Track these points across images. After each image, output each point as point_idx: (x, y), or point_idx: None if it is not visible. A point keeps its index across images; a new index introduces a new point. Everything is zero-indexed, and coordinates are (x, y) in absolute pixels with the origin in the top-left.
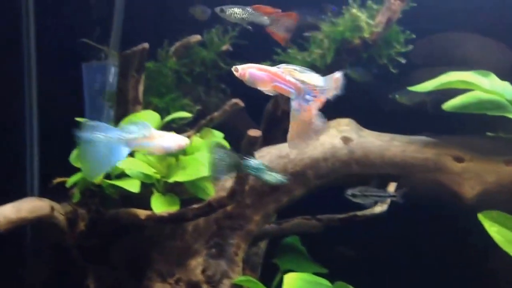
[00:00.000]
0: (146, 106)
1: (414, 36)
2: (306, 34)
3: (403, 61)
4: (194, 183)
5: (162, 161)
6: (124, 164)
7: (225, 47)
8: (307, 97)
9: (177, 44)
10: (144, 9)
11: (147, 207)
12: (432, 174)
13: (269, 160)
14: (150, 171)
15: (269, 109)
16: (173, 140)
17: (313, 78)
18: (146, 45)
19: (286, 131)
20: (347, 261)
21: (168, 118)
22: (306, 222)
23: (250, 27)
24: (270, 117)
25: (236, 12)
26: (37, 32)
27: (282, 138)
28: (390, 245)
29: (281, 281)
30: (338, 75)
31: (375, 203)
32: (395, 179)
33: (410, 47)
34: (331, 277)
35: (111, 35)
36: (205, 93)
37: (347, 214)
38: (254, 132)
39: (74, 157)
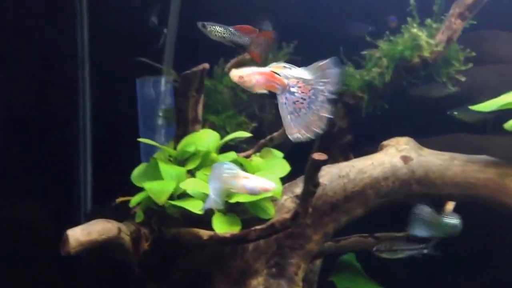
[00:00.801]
0: (203, 124)
1: (474, 53)
2: (366, 52)
3: (463, 79)
4: (255, 203)
5: None
6: (186, 184)
7: None
8: (292, 89)
9: (232, 61)
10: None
11: (207, 226)
12: (494, 194)
13: (329, 180)
14: None
15: None
16: (259, 183)
17: (300, 72)
18: (206, 65)
19: (341, 147)
20: (403, 280)
21: (228, 138)
22: (363, 240)
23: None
24: (325, 134)
25: (217, 30)
26: (90, 47)
27: (339, 156)
28: (446, 264)
29: None
30: (320, 63)
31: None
32: (454, 198)
33: (470, 65)
34: None
35: (165, 51)
36: (260, 109)
37: (404, 233)
38: (319, 156)
39: (136, 177)
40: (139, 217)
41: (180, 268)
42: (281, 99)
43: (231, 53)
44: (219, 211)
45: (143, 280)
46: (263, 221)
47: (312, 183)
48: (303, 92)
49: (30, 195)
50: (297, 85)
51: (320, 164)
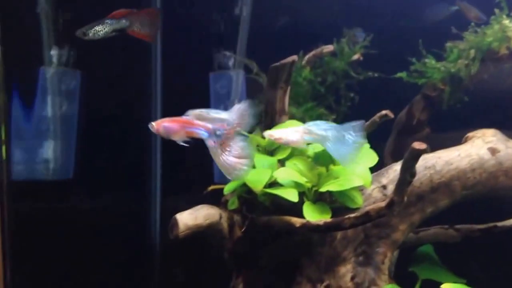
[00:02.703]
0: None
1: None
2: (449, 44)
3: None
4: (343, 192)
5: (313, 171)
6: (279, 173)
7: (356, 57)
8: (218, 133)
9: (310, 54)
10: (272, 17)
11: (296, 214)
12: None
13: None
14: (302, 180)
15: (402, 118)
16: None
17: (219, 115)
18: (295, 57)
19: (419, 139)
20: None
21: None
22: (443, 231)
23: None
24: (402, 126)
25: (97, 29)
26: (163, 42)
27: None
28: None
29: None
30: (239, 105)
31: None
32: None
33: None
34: None
35: (238, 45)
36: (335, 102)
37: (486, 225)
38: (419, 145)
39: None
40: (233, 204)
41: (269, 255)
42: (210, 143)
43: (310, 45)
44: (309, 199)
45: (232, 266)
46: (350, 210)
47: (409, 172)
48: (228, 134)
49: (109, 187)
50: (222, 128)
51: (419, 153)
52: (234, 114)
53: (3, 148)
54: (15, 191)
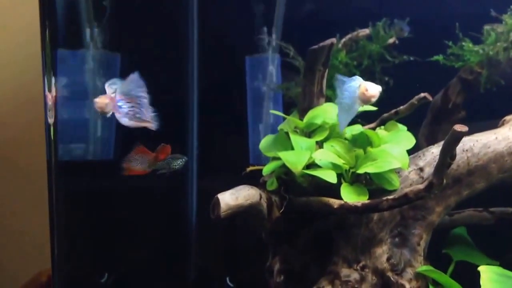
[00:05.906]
0: None
1: None
2: (487, 27)
3: None
4: (380, 174)
5: (350, 152)
6: (318, 154)
7: (391, 40)
8: (119, 104)
9: (346, 37)
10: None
11: (333, 195)
12: None
13: None
14: (340, 161)
15: (437, 102)
16: None
17: (120, 87)
18: (333, 40)
19: (454, 123)
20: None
21: None
22: (477, 214)
23: None
24: (438, 110)
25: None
26: (200, 25)
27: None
28: None
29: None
30: (131, 76)
31: None
32: None
33: None
34: None
35: (273, 28)
36: None
37: None
38: (461, 127)
39: (264, 147)
40: (272, 185)
41: (306, 235)
42: (117, 115)
43: (346, 29)
44: (346, 181)
45: (270, 246)
46: (387, 192)
47: (449, 155)
48: (129, 103)
49: None
50: (122, 99)
51: (461, 136)
52: (128, 84)
53: (51, 129)
54: (62, 171)
